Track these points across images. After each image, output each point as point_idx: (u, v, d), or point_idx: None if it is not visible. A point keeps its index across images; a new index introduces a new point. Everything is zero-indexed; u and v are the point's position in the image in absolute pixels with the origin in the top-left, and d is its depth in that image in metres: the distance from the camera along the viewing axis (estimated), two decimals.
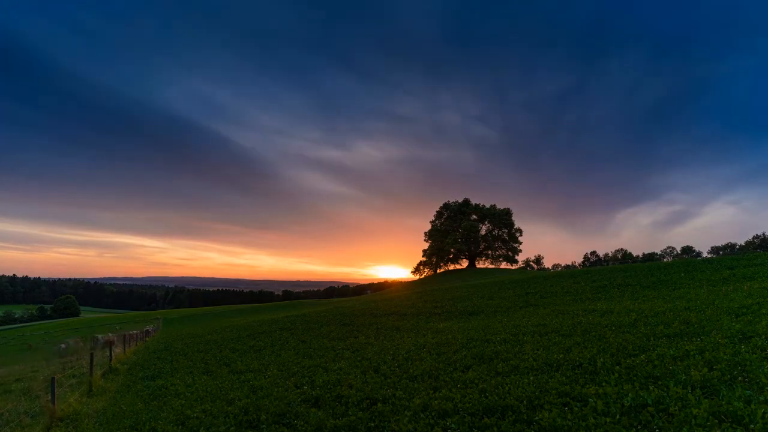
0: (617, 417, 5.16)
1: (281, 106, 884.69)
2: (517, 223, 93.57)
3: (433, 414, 6.30)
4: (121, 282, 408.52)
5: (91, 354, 13.25)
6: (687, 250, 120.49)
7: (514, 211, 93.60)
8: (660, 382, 6.12)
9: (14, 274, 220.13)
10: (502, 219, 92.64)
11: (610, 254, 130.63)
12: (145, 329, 34.24)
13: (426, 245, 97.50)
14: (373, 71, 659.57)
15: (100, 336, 31.54)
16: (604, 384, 6.44)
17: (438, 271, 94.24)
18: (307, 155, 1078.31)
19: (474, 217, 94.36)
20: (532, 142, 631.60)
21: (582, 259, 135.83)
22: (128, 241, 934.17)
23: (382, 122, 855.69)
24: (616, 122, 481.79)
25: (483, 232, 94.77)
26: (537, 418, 5.51)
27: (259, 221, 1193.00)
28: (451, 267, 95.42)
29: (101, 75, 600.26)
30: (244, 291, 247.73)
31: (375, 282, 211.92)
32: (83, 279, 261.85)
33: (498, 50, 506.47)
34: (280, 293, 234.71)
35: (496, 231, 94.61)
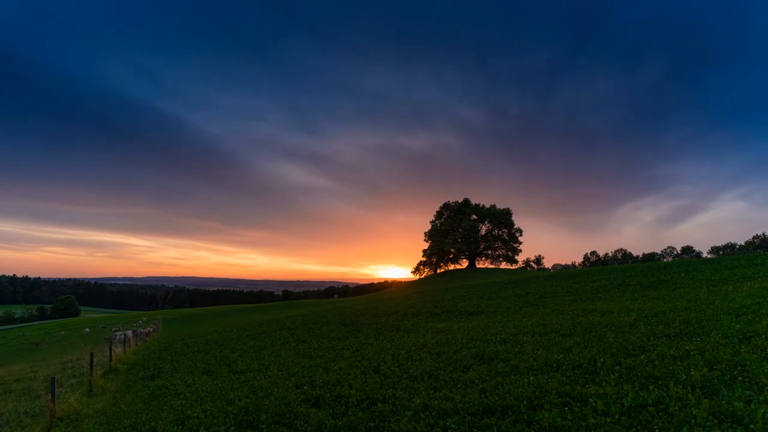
0: (617, 417, 5.16)
1: (241, 84, 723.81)
2: (513, 220, 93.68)
3: (433, 414, 6.30)
4: (121, 282, 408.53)
5: (91, 354, 13.25)
6: (687, 250, 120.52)
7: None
8: (660, 382, 6.12)
9: (14, 274, 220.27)
10: (502, 219, 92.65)
11: (610, 254, 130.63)
12: (147, 329, 34.75)
13: (426, 245, 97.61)
14: (335, 35, 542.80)
15: (118, 333, 32.22)
16: (604, 384, 6.44)
17: (438, 271, 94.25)
18: (277, 142, 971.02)
19: (474, 217, 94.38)
20: (523, 125, 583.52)
21: (582, 259, 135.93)
22: (115, 240, 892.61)
23: (352, 101, 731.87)
24: (615, 100, 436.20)
25: (483, 232, 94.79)
26: (537, 418, 5.51)
27: (241, 217, 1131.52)
28: (451, 267, 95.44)
29: (44, 54, 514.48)
30: (244, 291, 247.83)
31: (375, 282, 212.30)
32: (83, 279, 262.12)
33: (479, 13, 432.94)
34: (280, 293, 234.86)
35: (496, 231, 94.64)
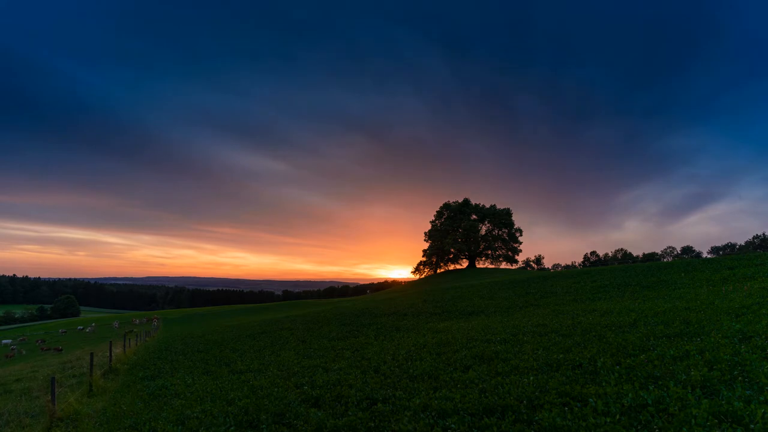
0: (617, 417, 5.16)
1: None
2: (513, 220, 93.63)
3: (433, 414, 6.30)
4: (121, 282, 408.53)
5: (91, 354, 13.26)
6: (687, 250, 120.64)
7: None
8: (660, 382, 6.12)
9: (14, 274, 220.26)
10: (502, 219, 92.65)
11: (610, 254, 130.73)
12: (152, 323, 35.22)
13: (426, 245, 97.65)
14: None
15: (137, 320, 32.65)
16: (604, 384, 6.44)
17: (438, 271, 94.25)
18: (201, 110, 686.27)
19: (474, 217, 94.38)
20: (503, 87, 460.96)
21: (582, 259, 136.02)
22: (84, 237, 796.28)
23: (271, 36, 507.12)
24: (614, 55, 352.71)
25: (483, 232, 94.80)
26: (537, 418, 5.51)
27: (202, 210, 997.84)
28: (451, 267, 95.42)
29: None
30: (245, 291, 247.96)
31: (375, 282, 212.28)
32: (83, 279, 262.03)
33: None
34: (281, 293, 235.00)
35: (496, 231, 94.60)
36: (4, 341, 51.70)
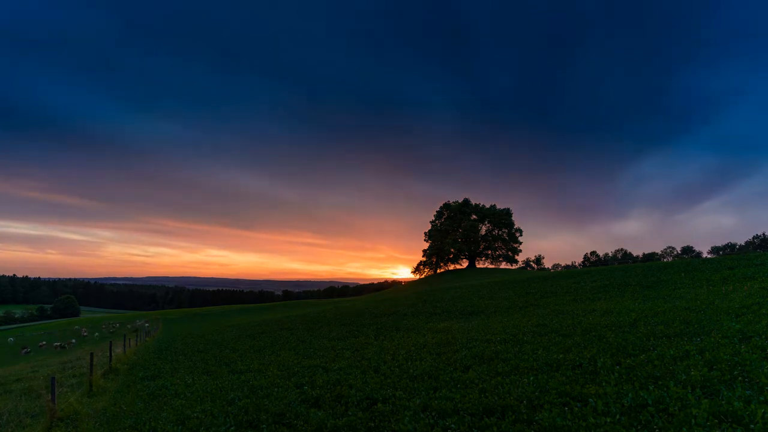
0: (617, 417, 5.16)
1: None
2: (513, 220, 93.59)
3: (433, 414, 6.30)
4: (121, 282, 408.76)
5: (91, 354, 13.26)
6: (687, 250, 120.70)
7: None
8: (660, 382, 6.13)
9: (14, 274, 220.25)
10: (502, 219, 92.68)
11: (610, 254, 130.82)
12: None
13: (426, 245, 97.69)
14: None
15: (138, 321, 32.82)
16: (604, 384, 6.44)
17: (438, 271, 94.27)
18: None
19: (474, 217, 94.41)
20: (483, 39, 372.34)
21: (582, 259, 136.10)
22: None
23: None
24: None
25: (483, 232, 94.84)
26: (537, 418, 5.51)
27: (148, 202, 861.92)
28: (451, 267, 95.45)
29: None
30: (245, 291, 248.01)
31: (375, 282, 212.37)
32: (83, 279, 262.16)
33: None
34: (281, 293, 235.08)
35: (496, 231, 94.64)
36: (9, 339, 52.50)
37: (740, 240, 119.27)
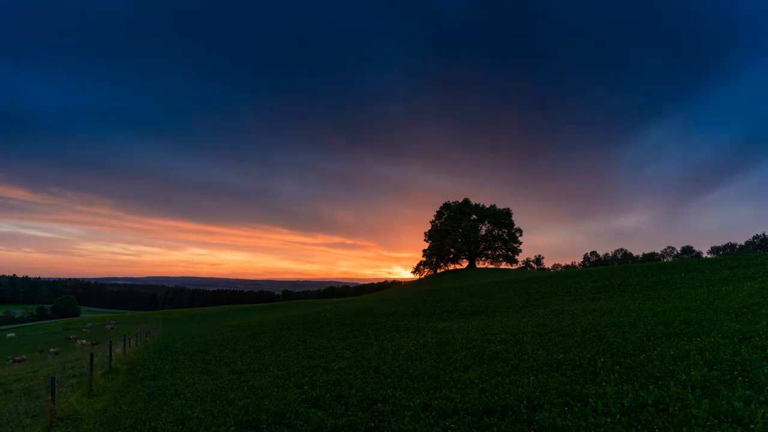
0: (617, 417, 5.16)
1: None
2: (513, 220, 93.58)
3: (433, 414, 6.30)
4: (121, 282, 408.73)
5: (91, 354, 13.26)
6: (687, 250, 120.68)
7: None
8: (660, 382, 6.13)
9: (14, 274, 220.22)
10: (502, 219, 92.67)
11: (610, 254, 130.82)
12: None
13: (426, 245, 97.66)
14: None
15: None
16: (604, 384, 6.44)
17: (438, 271, 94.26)
18: None
19: (474, 217, 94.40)
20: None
21: (582, 259, 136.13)
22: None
23: None
24: None
25: (483, 232, 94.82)
26: (537, 418, 5.51)
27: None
28: (451, 267, 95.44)
29: None
30: (244, 291, 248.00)
31: (375, 282, 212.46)
32: (83, 279, 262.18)
33: None
34: (281, 293, 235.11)
35: (496, 231, 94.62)
36: (9, 335, 53.01)
37: (740, 240, 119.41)
